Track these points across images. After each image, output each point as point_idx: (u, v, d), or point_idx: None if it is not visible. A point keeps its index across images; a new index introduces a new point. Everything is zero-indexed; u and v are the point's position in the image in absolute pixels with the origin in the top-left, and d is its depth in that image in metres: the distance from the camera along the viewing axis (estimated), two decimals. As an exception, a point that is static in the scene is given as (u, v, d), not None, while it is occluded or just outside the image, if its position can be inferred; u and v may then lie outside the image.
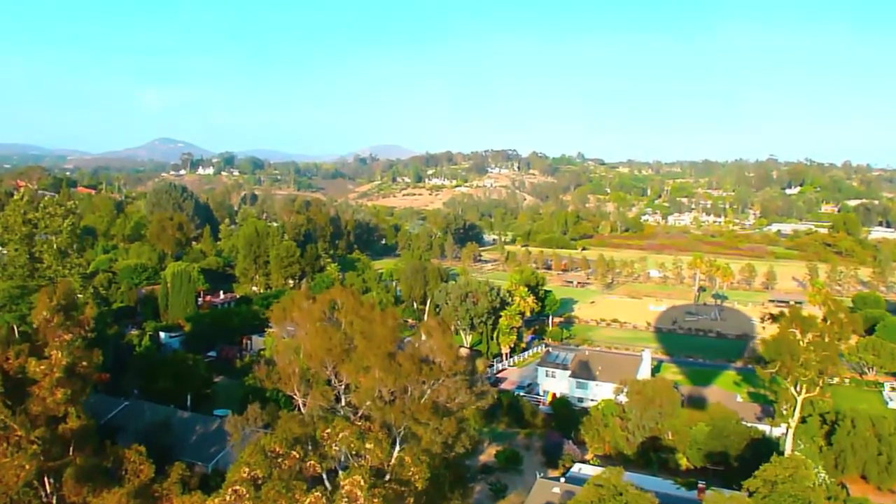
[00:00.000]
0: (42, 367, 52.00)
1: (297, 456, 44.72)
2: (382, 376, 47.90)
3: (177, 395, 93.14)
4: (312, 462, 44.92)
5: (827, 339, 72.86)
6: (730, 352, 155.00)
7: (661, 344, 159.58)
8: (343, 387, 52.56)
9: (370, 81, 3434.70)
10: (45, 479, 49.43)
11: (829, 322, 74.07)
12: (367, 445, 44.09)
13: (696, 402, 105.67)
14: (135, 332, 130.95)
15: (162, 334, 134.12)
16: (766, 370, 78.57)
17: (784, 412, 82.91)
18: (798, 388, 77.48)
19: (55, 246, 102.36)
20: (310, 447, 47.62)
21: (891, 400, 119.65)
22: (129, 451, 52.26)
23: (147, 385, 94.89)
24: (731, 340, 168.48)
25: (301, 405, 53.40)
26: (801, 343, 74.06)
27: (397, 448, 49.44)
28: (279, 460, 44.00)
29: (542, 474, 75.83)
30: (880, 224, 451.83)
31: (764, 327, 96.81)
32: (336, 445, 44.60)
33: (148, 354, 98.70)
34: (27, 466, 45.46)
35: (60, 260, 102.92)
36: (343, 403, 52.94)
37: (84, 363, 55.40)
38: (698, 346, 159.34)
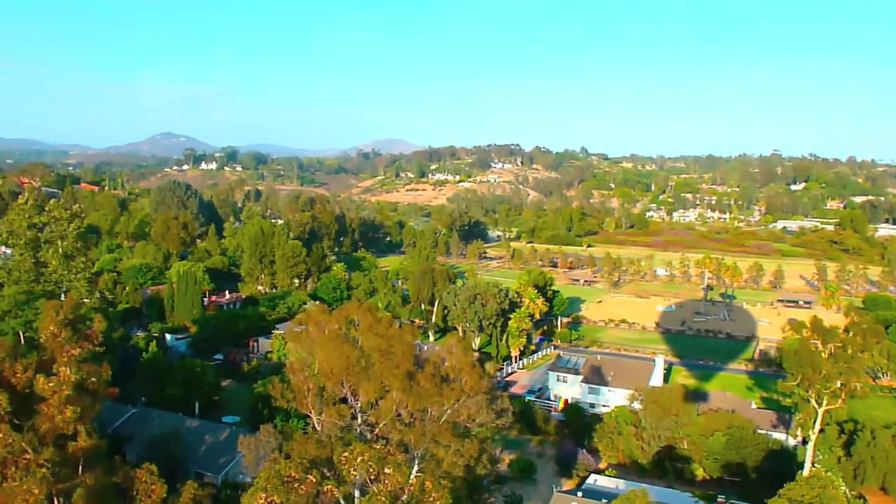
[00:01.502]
0: (51, 384, 50.54)
1: (315, 480, 43.35)
2: (401, 397, 46.47)
3: (185, 402, 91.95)
4: (330, 486, 43.52)
5: (850, 351, 71.25)
6: (740, 353, 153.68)
7: (670, 346, 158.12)
8: (359, 405, 51.13)
9: (371, 74, 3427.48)
10: (55, 500, 48.00)
11: (851, 333, 72.42)
12: (387, 470, 42.62)
13: (710, 409, 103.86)
14: (141, 334, 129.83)
15: (168, 336, 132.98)
16: (788, 382, 77.04)
17: (802, 423, 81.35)
18: (819, 400, 75.90)
19: (61, 250, 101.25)
20: (326, 471, 46.30)
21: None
22: (141, 470, 50.83)
23: (155, 392, 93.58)
24: (741, 342, 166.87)
25: (316, 423, 51.99)
26: (822, 355, 72.44)
27: (415, 468, 48.10)
28: (296, 485, 42.64)
29: (557, 487, 74.50)
30: (886, 221, 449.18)
31: (784, 336, 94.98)
32: (354, 469, 43.13)
33: (156, 361, 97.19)
34: (36, 491, 44.04)
35: (66, 264, 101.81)
36: (360, 421, 51.52)
37: (93, 379, 53.98)
38: (708, 347, 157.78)
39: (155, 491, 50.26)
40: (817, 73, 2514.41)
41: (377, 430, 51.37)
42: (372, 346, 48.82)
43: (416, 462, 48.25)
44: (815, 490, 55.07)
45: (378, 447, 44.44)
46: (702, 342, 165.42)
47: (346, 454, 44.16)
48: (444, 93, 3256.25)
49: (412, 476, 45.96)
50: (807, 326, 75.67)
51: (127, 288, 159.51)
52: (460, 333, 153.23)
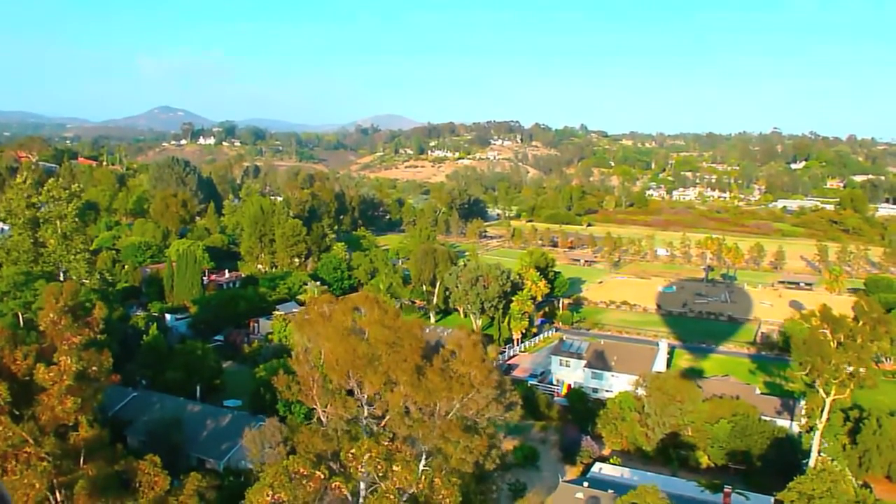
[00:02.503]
0: (51, 374, 49.57)
1: (322, 476, 42.59)
2: (410, 392, 45.55)
3: (186, 386, 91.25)
4: (338, 483, 42.75)
5: (859, 341, 70.44)
6: (742, 336, 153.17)
7: (672, 328, 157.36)
8: (366, 397, 50.20)
9: (371, 49, 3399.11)
10: (56, 493, 47.23)
11: (860, 322, 71.56)
12: (395, 468, 41.82)
13: (714, 395, 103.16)
14: (140, 314, 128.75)
15: (168, 316, 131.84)
16: (797, 372, 76.31)
17: (809, 412, 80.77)
18: (827, 390, 75.25)
19: (59, 230, 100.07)
20: (333, 464, 45.54)
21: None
22: (144, 462, 49.98)
23: (155, 375, 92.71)
24: (743, 324, 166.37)
25: (322, 415, 51.09)
26: (831, 344, 71.63)
27: (423, 462, 47.36)
28: (303, 482, 41.87)
29: (563, 476, 74.07)
30: (887, 201, 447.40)
31: (786, 319, 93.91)
32: (362, 467, 42.36)
33: (156, 344, 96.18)
34: (37, 485, 43.25)
35: (65, 244, 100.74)
36: (366, 413, 50.63)
37: (94, 368, 53.04)
38: (710, 330, 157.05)
39: (158, 483, 49.49)
40: (817, 52, 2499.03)
41: (384, 422, 50.53)
42: (379, 339, 47.78)
43: (424, 457, 47.52)
44: (826, 484, 54.48)
45: (386, 443, 43.67)
46: (703, 325, 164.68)
47: (353, 450, 43.41)
48: (443, 69, 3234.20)
49: (420, 471, 45.27)
50: (816, 315, 74.83)
51: (126, 266, 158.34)
52: (461, 315, 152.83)
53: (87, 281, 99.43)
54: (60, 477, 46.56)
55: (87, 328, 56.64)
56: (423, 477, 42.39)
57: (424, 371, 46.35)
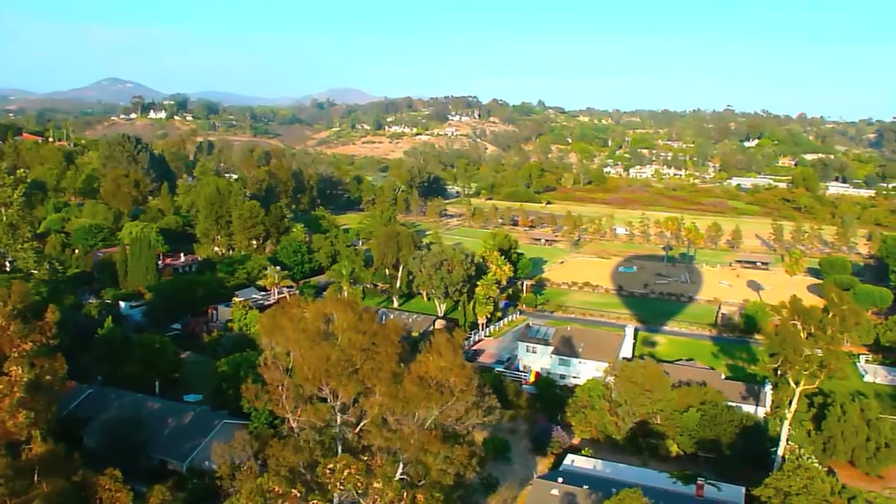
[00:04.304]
0: (0, 386, 46.37)
1: (299, 494, 40.57)
2: (387, 402, 43.59)
3: (144, 380, 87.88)
4: (316, 501, 40.75)
5: (829, 332, 70.65)
6: (703, 318, 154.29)
7: (634, 310, 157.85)
8: (340, 404, 48.10)
9: (327, 20, 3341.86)
10: (10, 513, 44.29)
11: (831, 314, 71.75)
12: (376, 484, 39.96)
13: (681, 381, 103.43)
14: (93, 301, 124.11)
15: (122, 303, 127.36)
16: (770, 364, 76.42)
17: (778, 402, 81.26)
18: (797, 380, 75.55)
19: (5, 219, 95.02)
20: (308, 477, 43.51)
21: (865, 373, 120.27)
22: (104, 477, 47.20)
23: (112, 369, 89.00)
24: (703, 305, 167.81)
25: (293, 422, 48.85)
26: (802, 336, 71.74)
27: (400, 469, 45.59)
28: (279, 502, 39.79)
29: (535, 470, 73.15)
30: (836, 179, 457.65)
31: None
32: (341, 484, 40.37)
33: (112, 337, 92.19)
34: (-11, 511, 40.32)
35: (11, 233, 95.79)
36: (339, 421, 48.56)
37: (48, 376, 49.89)
38: (672, 312, 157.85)
39: (120, 499, 46.88)
40: (769, 29, 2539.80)
41: (357, 429, 48.54)
42: (354, 344, 45.64)
43: (402, 465, 45.71)
44: (803, 481, 54.41)
45: (365, 458, 41.79)
46: (665, 306, 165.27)
47: (330, 465, 41.43)
48: (400, 42, 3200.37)
49: (397, 479, 43.47)
50: (787, 307, 74.92)
51: (77, 251, 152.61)
52: (425, 299, 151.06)
53: (36, 271, 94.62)
54: (13, 498, 43.62)
55: (39, 333, 53.26)
56: (405, 493, 40.63)
57: (402, 379, 44.41)
